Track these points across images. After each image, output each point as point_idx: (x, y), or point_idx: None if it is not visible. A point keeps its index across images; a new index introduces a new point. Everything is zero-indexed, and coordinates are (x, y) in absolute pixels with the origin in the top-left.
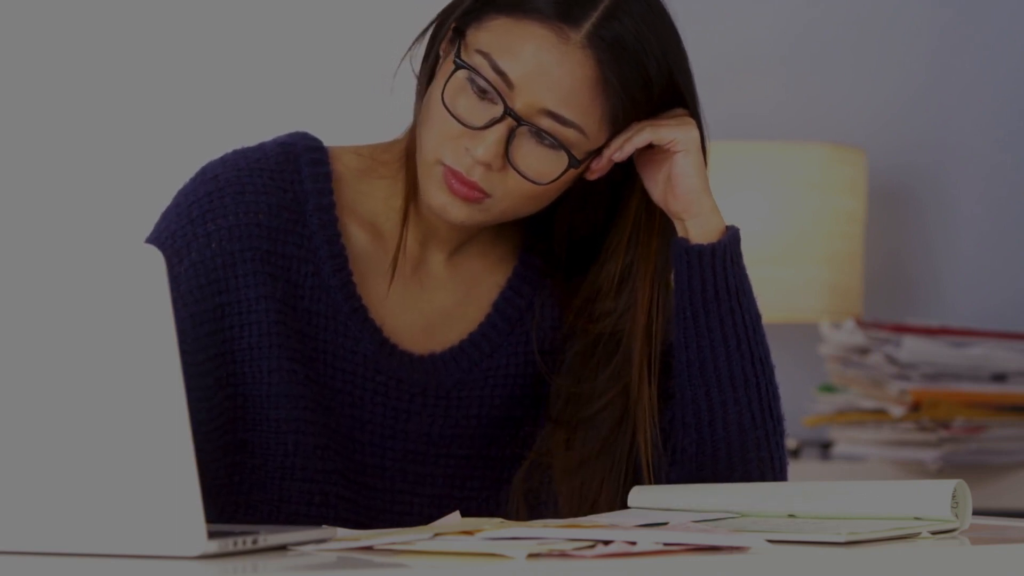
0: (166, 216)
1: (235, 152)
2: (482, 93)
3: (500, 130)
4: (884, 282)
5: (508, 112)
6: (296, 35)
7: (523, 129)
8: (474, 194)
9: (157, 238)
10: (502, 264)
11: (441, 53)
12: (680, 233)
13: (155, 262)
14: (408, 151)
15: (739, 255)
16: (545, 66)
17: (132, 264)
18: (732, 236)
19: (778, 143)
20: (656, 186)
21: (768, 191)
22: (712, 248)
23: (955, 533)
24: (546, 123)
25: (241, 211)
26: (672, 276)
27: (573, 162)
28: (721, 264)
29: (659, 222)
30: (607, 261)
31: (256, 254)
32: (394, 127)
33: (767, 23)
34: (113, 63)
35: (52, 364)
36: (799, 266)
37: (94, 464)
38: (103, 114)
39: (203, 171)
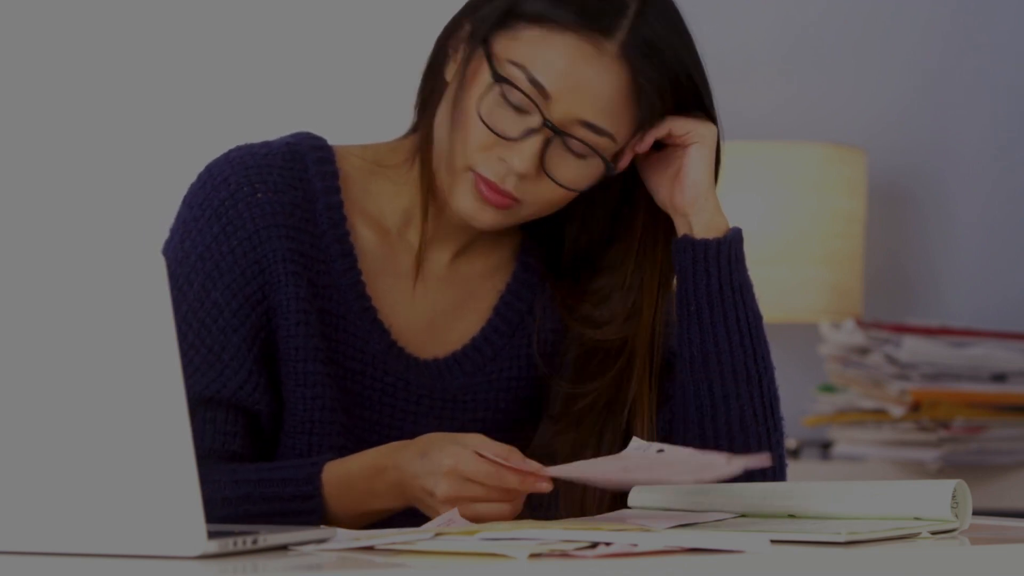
0: (185, 230)
1: (239, 149)
2: (517, 104)
3: (536, 141)
4: (884, 282)
5: (546, 124)
6: (298, 35)
7: (557, 139)
8: (506, 201)
9: (184, 257)
10: (502, 267)
11: (451, 51)
12: (683, 231)
13: (155, 264)
14: (421, 152)
15: (742, 255)
16: (582, 78)
17: (133, 266)
18: (736, 235)
19: (778, 143)
20: (662, 185)
21: (768, 191)
22: (717, 243)
23: (955, 533)
24: (581, 132)
25: (257, 215)
26: (674, 281)
27: (609, 169)
28: (726, 259)
29: (664, 232)
30: (613, 270)
31: (278, 254)
32: (396, 127)
33: (767, 23)
34: (114, 64)
35: (53, 365)
36: (799, 266)
37: (94, 464)
38: (105, 115)
39: (211, 173)
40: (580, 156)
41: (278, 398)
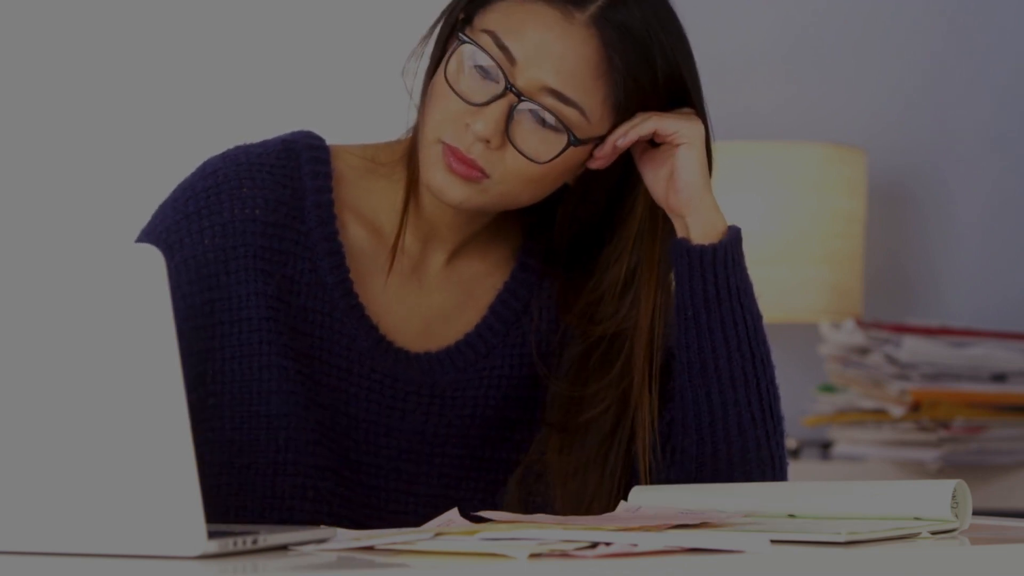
0: (163, 209)
1: (237, 147)
2: (485, 71)
3: (501, 106)
4: (884, 282)
5: (509, 88)
6: (299, 35)
7: (524, 108)
8: (473, 173)
9: (152, 230)
10: (500, 266)
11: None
12: (681, 233)
13: (155, 262)
14: (410, 148)
15: (740, 255)
16: (548, 43)
17: (132, 264)
18: (733, 236)
19: (778, 143)
20: (658, 183)
21: (768, 191)
22: (713, 249)
23: (955, 533)
24: (547, 101)
25: (236, 207)
26: (673, 277)
27: (573, 140)
28: (723, 265)
29: (662, 224)
30: (612, 264)
31: (249, 250)
32: (397, 127)
33: (767, 23)
34: (114, 63)
35: (52, 364)
36: (798, 266)
37: (94, 464)
38: (105, 114)
39: (204, 166)
40: (547, 127)
41: (230, 392)
